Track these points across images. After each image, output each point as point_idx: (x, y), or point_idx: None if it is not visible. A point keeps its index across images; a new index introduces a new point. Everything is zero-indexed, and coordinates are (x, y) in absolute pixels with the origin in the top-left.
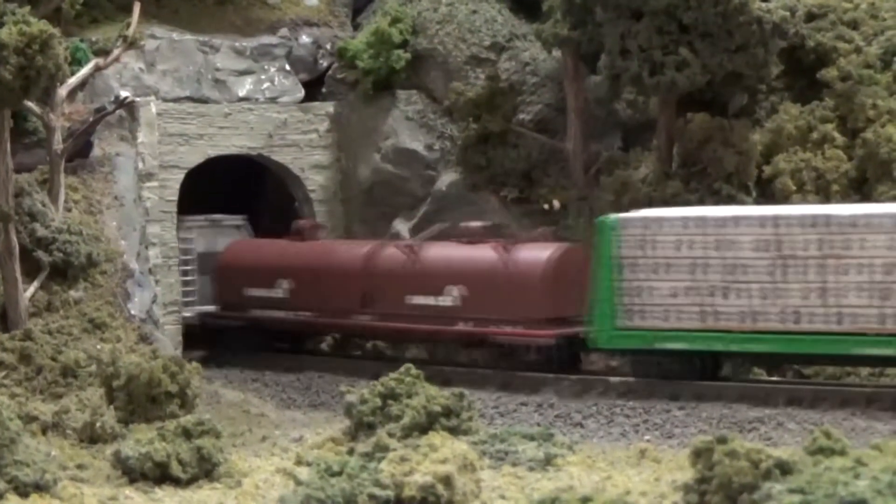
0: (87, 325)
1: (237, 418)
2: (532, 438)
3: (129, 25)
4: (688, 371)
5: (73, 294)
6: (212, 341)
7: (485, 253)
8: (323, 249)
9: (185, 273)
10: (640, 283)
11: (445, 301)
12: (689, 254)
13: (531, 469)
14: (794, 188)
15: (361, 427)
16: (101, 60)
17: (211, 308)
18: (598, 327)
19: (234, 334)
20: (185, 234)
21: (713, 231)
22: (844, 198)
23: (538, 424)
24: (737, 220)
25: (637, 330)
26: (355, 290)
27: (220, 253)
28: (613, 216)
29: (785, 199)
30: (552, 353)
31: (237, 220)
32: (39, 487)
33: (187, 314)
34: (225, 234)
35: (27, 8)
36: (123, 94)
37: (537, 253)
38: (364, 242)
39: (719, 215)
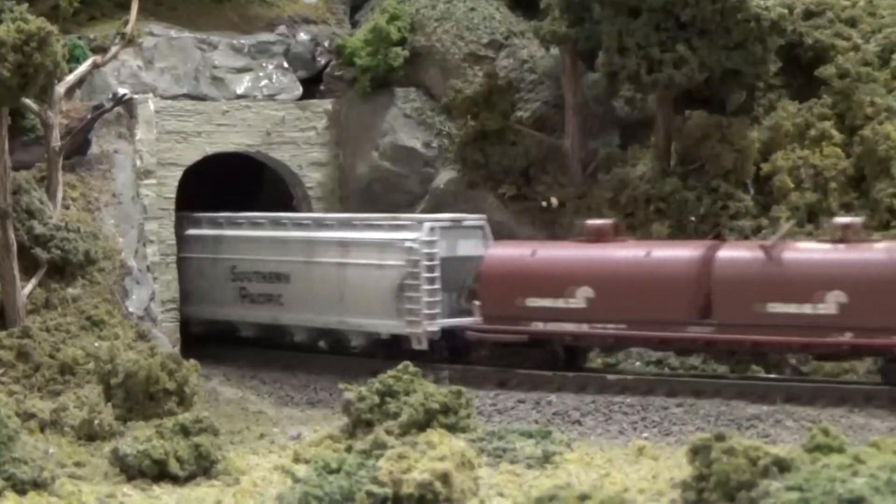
0: (85, 323)
1: (235, 416)
2: (530, 436)
3: (126, 23)
4: None
5: (71, 291)
6: (459, 359)
7: (874, 254)
8: (633, 252)
9: (430, 282)
10: None
11: (826, 309)
12: None
13: (529, 466)
14: (791, 185)
15: (359, 424)
16: (99, 58)
17: (468, 320)
18: None
19: (505, 351)
20: (429, 236)
21: None
22: (842, 195)
23: (536, 422)
24: None
25: None
26: (689, 298)
27: (484, 259)
28: None
29: (783, 196)
30: None
31: (479, 220)
32: (37, 485)
33: (432, 328)
34: (466, 237)
35: (25, 5)
36: (121, 91)
37: None
38: (689, 243)
39: None
